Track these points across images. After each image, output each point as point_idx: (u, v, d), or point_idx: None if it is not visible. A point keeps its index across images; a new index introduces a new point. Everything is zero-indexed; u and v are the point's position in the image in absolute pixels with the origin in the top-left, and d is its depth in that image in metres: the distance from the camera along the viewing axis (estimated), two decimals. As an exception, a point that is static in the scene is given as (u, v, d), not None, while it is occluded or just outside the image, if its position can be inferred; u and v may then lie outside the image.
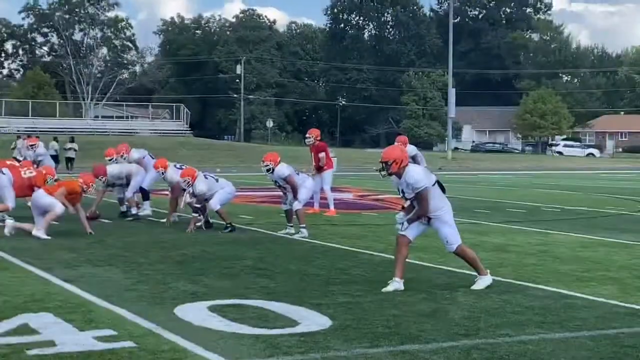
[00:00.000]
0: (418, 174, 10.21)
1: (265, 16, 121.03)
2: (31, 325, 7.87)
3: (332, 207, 20.26)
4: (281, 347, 7.18)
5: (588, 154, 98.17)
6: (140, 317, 8.26)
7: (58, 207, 14.65)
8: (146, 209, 19.94)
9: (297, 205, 15.98)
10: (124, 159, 19.94)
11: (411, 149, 20.07)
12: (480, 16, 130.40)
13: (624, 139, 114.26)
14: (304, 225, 15.71)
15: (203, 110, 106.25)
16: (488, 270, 10.47)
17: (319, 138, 20.66)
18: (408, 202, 10.44)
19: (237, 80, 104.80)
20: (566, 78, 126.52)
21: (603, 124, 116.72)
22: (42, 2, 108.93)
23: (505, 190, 32.99)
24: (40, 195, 14.85)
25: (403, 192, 10.36)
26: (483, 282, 10.23)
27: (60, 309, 8.61)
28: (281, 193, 16.89)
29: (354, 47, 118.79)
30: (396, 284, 9.94)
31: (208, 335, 7.58)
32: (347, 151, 74.15)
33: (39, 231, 14.55)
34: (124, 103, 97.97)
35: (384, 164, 10.20)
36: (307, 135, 21.03)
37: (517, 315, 8.68)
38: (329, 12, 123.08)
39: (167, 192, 17.38)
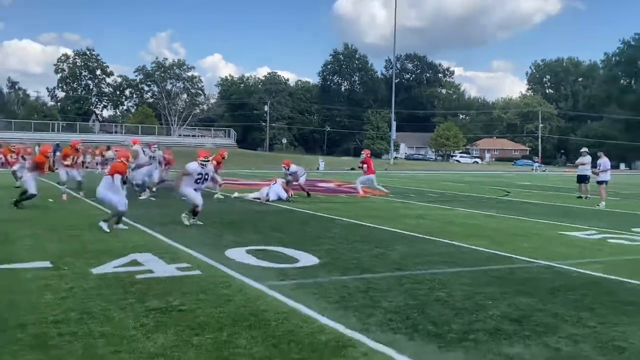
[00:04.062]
0: (189, 166, 11.33)
1: (282, 76, 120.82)
2: (138, 260, 7.90)
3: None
4: (288, 275, 7.22)
5: (474, 162, 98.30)
6: (204, 256, 8.29)
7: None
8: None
9: (302, 180, 19.03)
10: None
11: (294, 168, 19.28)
12: (411, 78, 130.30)
13: (496, 153, 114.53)
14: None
15: (244, 132, 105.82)
16: None
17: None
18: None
19: (265, 115, 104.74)
20: (462, 116, 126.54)
21: (483, 144, 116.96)
22: (148, 66, 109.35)
23: (424, 182, 33.05)
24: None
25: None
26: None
27: (156, 250, 8.63)
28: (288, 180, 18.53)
29: (335, 96, 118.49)
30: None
31: (245, 267, 7.61)
32: (330, 158, 74.17)
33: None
34: (197, 127, 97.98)
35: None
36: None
37: (430, 256, 8.73)
38: (320, 74, 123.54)
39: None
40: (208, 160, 11.63)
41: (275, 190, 17.83)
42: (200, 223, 11.45)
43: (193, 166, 11.39)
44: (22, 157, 22.31)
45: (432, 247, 9.71)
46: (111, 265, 7.50)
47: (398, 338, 4.94)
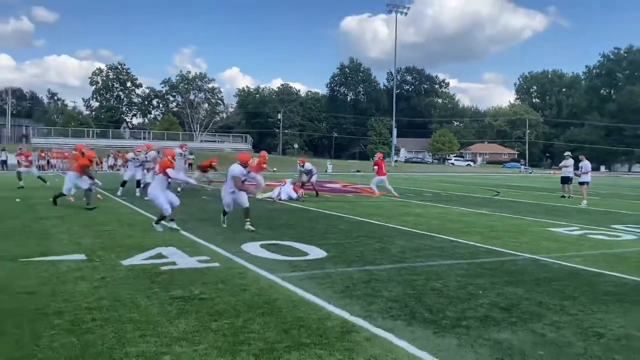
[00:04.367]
0: (233, 169, 10.55)
1: (294, 87, 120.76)
2: (163, 253, 7.91)
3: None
4: (299, 266, 7.21)
5: (467, 164, 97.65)
6: (223, 250, 8.30)
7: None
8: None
9: (313, 179, 19.56)
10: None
11: (308, 165, 19.74)
12: (410, 89, 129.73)
13: (487, 156, 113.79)
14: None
15: (260, 138, 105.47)
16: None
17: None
18: None
19: (278, 122, 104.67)
20: (456, 123, 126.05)
21: (476, 148, 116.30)
22: (173, 78, 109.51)
23: (422, 183, 32.98)
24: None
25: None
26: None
27: (179, 245, 8.64)
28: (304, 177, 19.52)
29: (342, 105, 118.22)
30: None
31: (259, 260, 7.60)
32: (337, 161, 74.15)
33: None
34: (217, 133, 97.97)
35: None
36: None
37: (427, 250, 8.69)
38: (328, 85, 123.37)
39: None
40: (247, 165, 10.86)
41: (286, 190, 17.84)
42: (249, 229, 10.39)
43: (238, 169, 10.61)
44: (30, 160, 21.71)
45: (429, 242, 9.65)
46: (139, 258, 7.52)
47: (397, 324, 4.92)
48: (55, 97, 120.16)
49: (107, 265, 7.09)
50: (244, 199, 10.70)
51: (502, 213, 15.22)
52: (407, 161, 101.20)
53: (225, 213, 10.89)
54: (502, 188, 28.98)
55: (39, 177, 21.47)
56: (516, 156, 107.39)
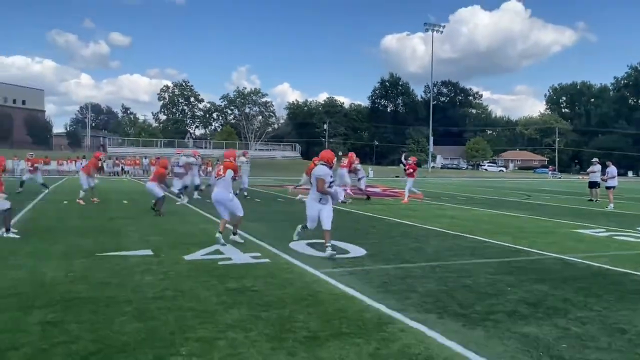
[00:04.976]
0: (318, 169, 8.14)
1: (339, 100, 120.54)
2: (220, 250, 8.04)
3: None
4: (340, 263, 7.22)
5: (500, 170, 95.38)
6: (272, 247, 8.38)
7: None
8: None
9: (362, 184, 19.09)
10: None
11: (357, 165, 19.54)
12: (446, 101, 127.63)
13: (518, 162, 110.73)
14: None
15: (307, 146, 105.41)
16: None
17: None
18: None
19: (324, 132, 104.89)
20: (489, 132, 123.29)
21: (508, 155, 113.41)
22: (230, 94, 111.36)
23: (457, 187, 32.40)
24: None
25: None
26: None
27: (234, 242, 8.76)
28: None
29: (383, 116, 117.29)
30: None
31: (305, 257, 7.65)
32: (378, 167, 73.76)
33: None
34: (269, 142, 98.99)
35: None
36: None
37: (459, 250, 8.55)
38: (370, 98, 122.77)
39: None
40: (332, 165, 8.39)
41: (337, 189, 17.65)
42: (330, 254, 7.63)
43: (322, 170, 8.10)
44: (36, 167, 19.84)
45: (462, 242, 9.49)
46: (199, 254, 7.68)
47: (430, 317, 4.86)
48: (128, 111, 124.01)
49: (171, 260, 7.27)
50: (328, 214, 8.08)
51: (531, 215, 14.81)
52: (442, 167, 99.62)
53: (305, 227, 8.55)
54: (532, 192, 28.18)
55: (42, 184, 20.21)
56: (546, 162, 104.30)
